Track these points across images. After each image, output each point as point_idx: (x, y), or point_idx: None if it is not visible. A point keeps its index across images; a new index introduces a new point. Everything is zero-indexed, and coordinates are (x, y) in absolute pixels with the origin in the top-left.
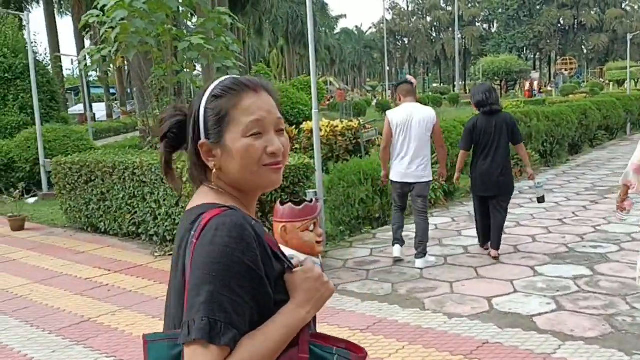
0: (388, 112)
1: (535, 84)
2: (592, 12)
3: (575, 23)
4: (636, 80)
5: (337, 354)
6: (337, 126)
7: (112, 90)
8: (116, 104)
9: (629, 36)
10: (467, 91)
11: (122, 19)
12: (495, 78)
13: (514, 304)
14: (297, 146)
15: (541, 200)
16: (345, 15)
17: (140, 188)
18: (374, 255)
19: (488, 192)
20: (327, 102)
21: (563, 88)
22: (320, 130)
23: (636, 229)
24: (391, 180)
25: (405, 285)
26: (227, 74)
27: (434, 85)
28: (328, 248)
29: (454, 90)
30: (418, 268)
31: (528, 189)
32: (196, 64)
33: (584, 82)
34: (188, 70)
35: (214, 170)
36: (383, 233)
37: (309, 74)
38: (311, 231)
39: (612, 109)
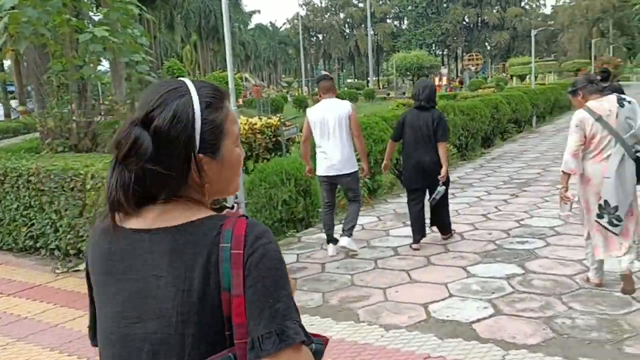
0: (308, 110)
1: (445, 79)
2: (494, 11)
3: (479, 21)
4: (536, 75)
5: (313, 342)
6: (255, 124)
7: (10, 88)
8: (14, 102)
9: (533, 32)
10: (381, 86)
11: (12, 8)
12: (408, 73)
13: (451, 310)
14: None
15: (433, 202)
16: (259, 11)
17: (37, 197)
18: (300, 262)
19: (419, 184)
20: (244, 99)
21: (471, 83)
22: None
23: (558, 222)
24: (317, 176)
25: (336, 295)
26: (136, 70)
27: (349, 80)
28: None
29: (368, 86)
30: (342, 246)
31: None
32: (101, 58)
33: (488, 77)
34: (92, 65)
35: (206, 185)
36: (308, 236)
37: (224, 70)
38: None
39: (520, 102)
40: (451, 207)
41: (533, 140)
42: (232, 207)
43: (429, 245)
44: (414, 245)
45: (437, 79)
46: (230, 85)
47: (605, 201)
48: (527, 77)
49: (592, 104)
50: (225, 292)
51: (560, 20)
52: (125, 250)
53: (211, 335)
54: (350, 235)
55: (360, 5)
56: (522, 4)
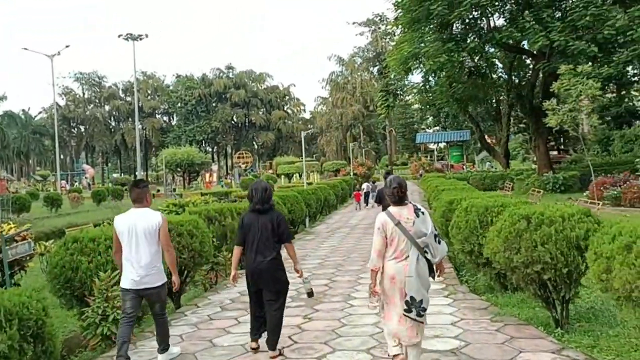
0: (115, 218)
1: (215, 175)
2: (260, 113)
3: (247, 121)
4: (300, 174)
5: None
6: None
7: None
8: None
9: (303, 134)
10: (150, 182)
11: None
12: (178, 169)
13: None
14: None
15: (310, 294)
16: (5, 97)
17: None
18: None
19: (260, 285)
20: None
21: (242, 180)
22: None
23: (365, 356)
24: (122, 289)
25: None
26: None
27: (115, 175)
28: None
29: None
30: None
31: (238, 295)
32: None
33: (257, 175)
34: None
35: None
36: None
37: None
38: None
39: (295, 203)
40: (233, 339)
41: (311, 242)
42: None
43: None
44: (253, 345)
45: (207, 175)
46: None
47: (412, 297)
48: (294, 175)
49: (393, 209)
50: None
51: (319, 124)
52: None
53: None
54: (166, 349)
55: (128, 98)
56: (286, 108)
